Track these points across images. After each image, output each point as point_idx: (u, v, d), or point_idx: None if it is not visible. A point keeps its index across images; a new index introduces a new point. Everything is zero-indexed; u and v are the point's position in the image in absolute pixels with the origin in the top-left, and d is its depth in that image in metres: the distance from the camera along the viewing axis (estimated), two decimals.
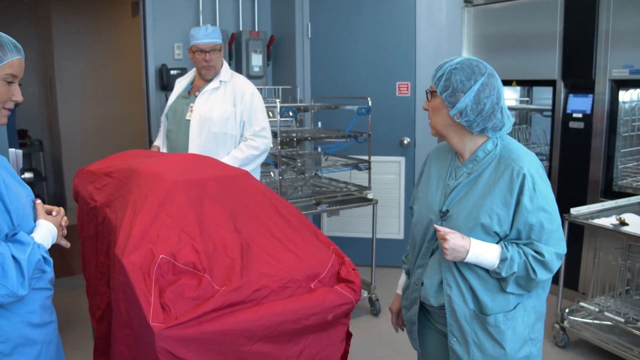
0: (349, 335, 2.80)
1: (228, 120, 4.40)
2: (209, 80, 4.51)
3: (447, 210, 2.44)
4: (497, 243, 2.35)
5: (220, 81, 4.49)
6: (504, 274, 2.31)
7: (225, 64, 4.60)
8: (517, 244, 2.35)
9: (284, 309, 2.44)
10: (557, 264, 2.35)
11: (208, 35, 4.43)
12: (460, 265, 2.40)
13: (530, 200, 2.29)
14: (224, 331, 2.28)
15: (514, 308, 2.40)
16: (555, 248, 2.33)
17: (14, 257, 2.11)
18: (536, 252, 2.31)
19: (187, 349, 2.21)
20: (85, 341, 4.59)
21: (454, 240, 2.30)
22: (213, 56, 4.43)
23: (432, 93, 2.43)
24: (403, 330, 2.85)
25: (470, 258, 2.32)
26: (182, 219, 2.69)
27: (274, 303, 2.45)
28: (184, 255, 2.49)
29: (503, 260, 2.31)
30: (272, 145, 4.62)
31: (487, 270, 2.37)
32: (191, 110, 4.45)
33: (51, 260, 2.33)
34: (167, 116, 4.63)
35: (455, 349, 2.46)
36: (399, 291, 2.82)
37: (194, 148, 4.36)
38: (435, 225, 2.38)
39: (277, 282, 2.51)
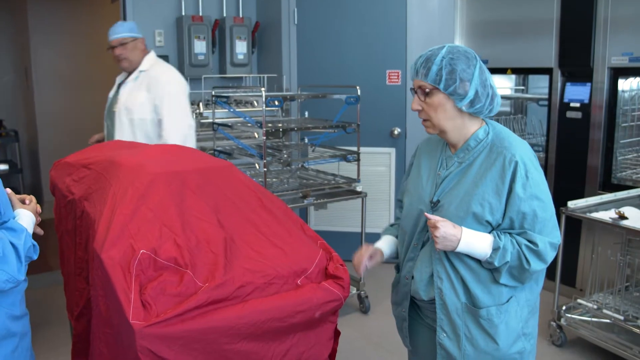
0: (337, 334, 2.81)
1: (144, 106, 4.67)
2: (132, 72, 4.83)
3: (438, 201, 2.46)
4: (489, 233, 2.38)
5: (140, 71, 4.82)
6: (496, 264, 2.33)
7: (151, 55, 4.92)
8: (510, 233, 2.37)
9: (270, 307, 2.45)
10: (551, 254, 2.37)
11: (115, 31, 4.78)
12: (452, 257, 2.41)
13: (523, 188, 2.31)
14: (207, 329, 2.29)
15: (507, 301, 2.42)
16: (549, 237, 2.35)
17: (11, 243, 2.16)
18: (529, 241, 2.33)
19: (169, 347, 2.21)
20: (63, 340, 4.60)
21: (444, 228, 2.31)
22: (122, 51, 4.77)
23: (429, 91, 2.39)
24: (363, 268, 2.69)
25: (461, 247, 2.33)
26: (163, 213, 2.69)
27: (259, 300, 2.46)
28: (165, 250, 2.49)
29: (496, 249, 2.32)
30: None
31: (479, 262, 2.39)
32: (117, 103, 4.79)
33: (38, 246, 2.36)
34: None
35: (444, 344, 2.48)
36: (379, 245, 2.74)
37: (119, 138, 4.69)
38: (426, 214, 2.39)
39: (262, 279, 2.51)
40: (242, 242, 2.70)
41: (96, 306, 2.54)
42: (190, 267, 2.45)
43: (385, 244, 2.77)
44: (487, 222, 2.36)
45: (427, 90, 2.39)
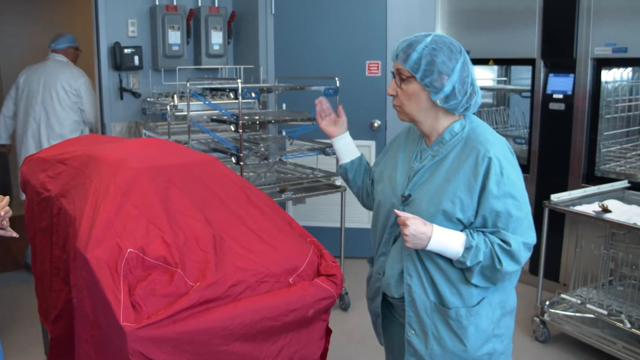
0: (328, 332, 2.80)
1: None
2: None
3: (409, 195, 2.44)
4: (461, 231, 2.36)
5: None
6: (469, 263, 2.31)
7: None
8: (483, 232, 2.35)
9: (262, 306, 2.42)
10: (525, 254, 2.34)
11: None
12: (422, 255, 2.40)
13: (497, 185, 2.29)
14: (199, 330, 2.26)
15: (478, 303, 2.41)
16: (523, 237, 2.33)
17: None
18: (503, 240, 2.31)
19: (160, 350, 2.18)
20: (33, 339, 4.54)
21: (414, 226, 2.28)
22: None
23: (405, 78, 2.38)
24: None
25: (432, 246, 2.31)
26: (148, 210, 2.65)
27: (251, 299, 2.43)
28: (153, 249, 2.45)
29: (468, 248, 2.30)
30: None
31: (450, 262, 2.37)
32: None
33: None
34: None
35: (412, 342, 2.48)
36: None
37: None
38: (396, 210, 2.37)
39: (254, 277, 2.49)
40: (231, 240, 2.67)
41: (80, 308, 2.49)
42: (180, 266, 2.42)
43: (348, 144, 2.87)
44: (458, 219, 2.34)
45: (403, 77, 2.37)
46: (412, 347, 2.48)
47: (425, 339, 2.44)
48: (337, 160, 2.91)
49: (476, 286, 2.39)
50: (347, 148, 2.85)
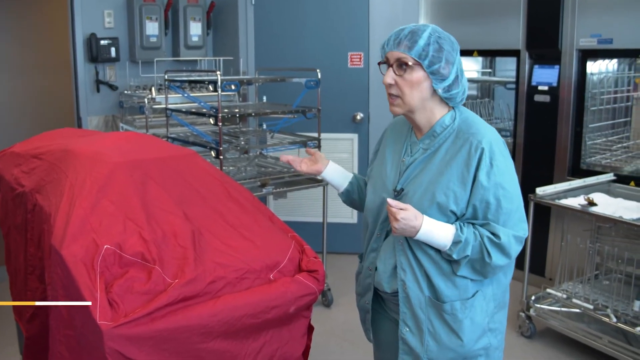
0: (310, 329, 2.80)
1: None
2: None
3: (402, 189, 2.44)
4: (453, 223, 2.35)
5: None
6: (455, 257, 2.31)
7: None
8: (473, 224, 2.35)
9: (243, 302, 2.42)
10: (515, 248, 2.34)
11: None
12: (415, 248, 2.39)
13: (487, 176, 2.29)
14: (178, 328, 2.25)
15: (473, 296, 2.41)
16: (513, 230, 2.32)
17: None
18: (492, 233, 2.31)
19: (139, 348, 2.17)
20: (9, 339, 4.50)
21: (405, 220, 2.28)
22: None
23: (409, 66, 2.34)
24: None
25: (420, 236, 2.31)
26: (126, 205, 2.63)
27: (232, 296, 2.43)
28: (130, 245, 2.44)
29: (456, 242, 2.30)
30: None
31: (441, 254, 2.37)
32: None
33: None
34: None
35: (407, 339, 2.46)
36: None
37: None
38: (388, 200, 2.33)
39: (234, 273, 2.48)
40: (210, 235, 2.66)
41: (55, 306, 2.48)
42: (158, 263, 2.41)
43: (338, 169, 2.84)
44: (452, 212, 2.34)
45: (409, 63, 2.33)
46: (406, 344, 2.47)
47: (420, 335, 2.43)
48: (338, 191, 2.88)
49: (466, 278, 2.39)
50: (339, 173, 2.84)
